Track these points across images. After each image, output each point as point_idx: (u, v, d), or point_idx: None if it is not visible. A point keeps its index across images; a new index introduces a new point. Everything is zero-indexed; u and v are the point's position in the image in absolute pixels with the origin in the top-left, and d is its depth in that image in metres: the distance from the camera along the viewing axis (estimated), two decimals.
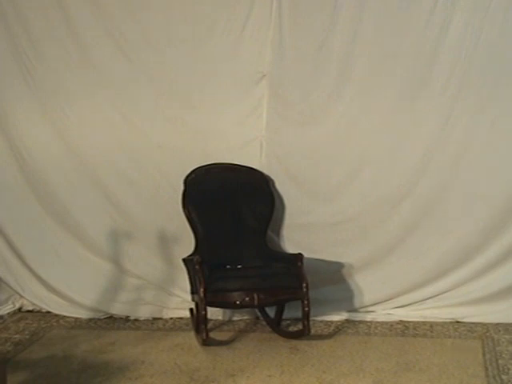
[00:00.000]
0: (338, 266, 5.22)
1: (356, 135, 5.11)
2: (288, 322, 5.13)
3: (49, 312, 5.57)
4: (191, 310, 5.14)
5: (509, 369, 4.23)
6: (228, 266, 5.08)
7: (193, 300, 4.98)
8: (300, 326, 4.80)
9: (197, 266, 4.70)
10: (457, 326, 5.01)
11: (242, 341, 4.88)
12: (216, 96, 5.22)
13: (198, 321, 4.83)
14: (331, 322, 5.16)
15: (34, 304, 5.63)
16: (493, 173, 4.94)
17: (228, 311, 5.25)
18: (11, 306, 5.64)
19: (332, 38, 5.02)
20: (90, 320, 5.42)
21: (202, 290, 4.62)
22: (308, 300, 4.68)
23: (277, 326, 5.05)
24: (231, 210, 5.22)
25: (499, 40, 4.80)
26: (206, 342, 4.70)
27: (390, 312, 5.21)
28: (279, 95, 5.18)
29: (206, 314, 4.66)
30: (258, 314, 5.23)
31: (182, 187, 5.16)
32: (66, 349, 4.83)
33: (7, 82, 5.41)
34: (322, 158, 5.18)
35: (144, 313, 5.43)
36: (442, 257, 5.08)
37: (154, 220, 5.34)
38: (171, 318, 5.39)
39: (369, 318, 5.21)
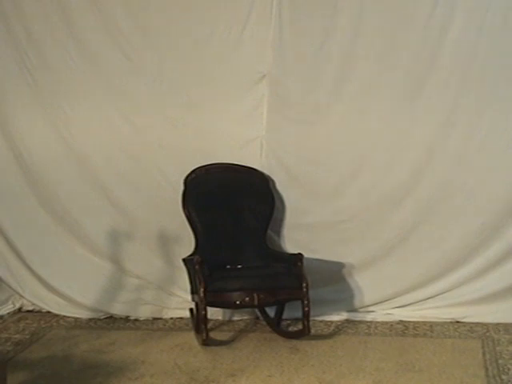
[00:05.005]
0: (338, 265, 5.22)
1: (356, 135, 5.11)
2: (288, 321, 5.13)
3: (49, 312, 5.57)
4: (191, 310, 5.14)
5: (509, 369, 4.23)
6: (228, 266, 5.08)
7: (193, 300, 4.98)
8: (300, 326, 4.80)
9: (197, 266, 4.70)
10: (457, 326, 5.00)
11: (242, 341, 4.88)
12: (216, 96, 5.22)
13: (198, 321, 4.83)
14: (331, 322, 5.16)
15: (34, 304, 5.63)
16: (493, 173, 4.94)
17: (228, 311, 5.25)
18: (11, 306, 5.64)
19: (332, 38, 5.02)
20: (90, 320, 5.42)
21: (202, 290, 4.62)
22: (308, 300, 4.68)
23: (277, 325, 5.05)
24: (231, 210, 5.22)
25: (499, 40, 4.81)
26: (206, 342, 4.70)
27: (390, 312, 5.21)
28: (279, 95, 5.18)
29: (206, 314, 4.66)
30: (258, 314, 5.23)
31: (182, 187, 5.17)
32: (66, 349, 4.83)
33: (8, 82, 5.42)
34: (322, 157, 5.19)
35: (144, 313, 5.43)
36: (442, 257, 5.08)
37: (154, 220, 5.34)
38: (171, 318, 5.40)
39: (369, 318, 5.21)
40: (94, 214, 5.42)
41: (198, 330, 4.90)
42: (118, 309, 5.43)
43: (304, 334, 4.73)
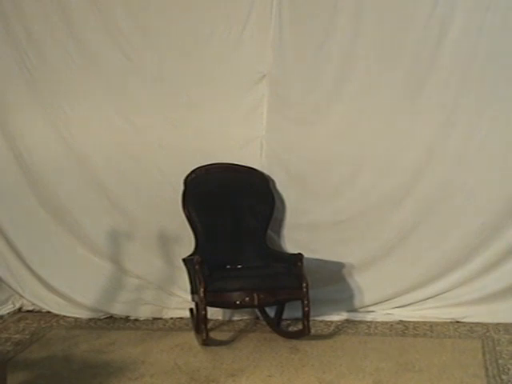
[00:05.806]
0: (338, 265, 5.22)
1: (356, 135, 5.11)
2: (288, 321, 5.13)
3: (49, 312, 5.57)
4: (191, 310, 5.14)
5: (509, 369, 4.23)
6: (228, 266, 5.08)
7: (193, 300, 4.98)
8: (300, 326, 4.80)
9: (197, 266, 4.70)
10: (457, 326, 5.00)
11: (242, 341, 4.88)
12: (216, 96, 5.22)
13: (198, 321, 4.83)
14: (331, 322, 5.16)
15: (34, 304, 5.63)
16: (493, 173, 4.94)
17: (228, 311, 5.25)
18: (11, 306, 5.64)
19: (332, 38, 5.02)
20: (90, 320, 5.43)
21: (202, 290, 4.62)
22: (308, 300, 4.68)
23: (277, 325, 5.05)
24: (231, 210, 5.22)
25: (499, 40, 4.81)
26: (206, 342, 4.70)
27: (390, 312, 5.21)
28: (279, 95, 5.18)
29: (206, 314, 4.66)
30: (258, 314, 5.23)
31: (182, 187, 5.17)
32: (66, 349, 4.83)
33: (8, 82, 5.41)
34: (322, 157, 5.18)
35: (144, 313, 5.43)
36: (441, 257, 5.08)
37: (154, 220, 5.33)
38: (171, 318, 5.40)
39: (369, 318, 5.21)
40: (94, 214, 5.42)
41: (197, 330, 4.90)
42: (117, 309, 5.43)
43: (304, 333, 4.73)
